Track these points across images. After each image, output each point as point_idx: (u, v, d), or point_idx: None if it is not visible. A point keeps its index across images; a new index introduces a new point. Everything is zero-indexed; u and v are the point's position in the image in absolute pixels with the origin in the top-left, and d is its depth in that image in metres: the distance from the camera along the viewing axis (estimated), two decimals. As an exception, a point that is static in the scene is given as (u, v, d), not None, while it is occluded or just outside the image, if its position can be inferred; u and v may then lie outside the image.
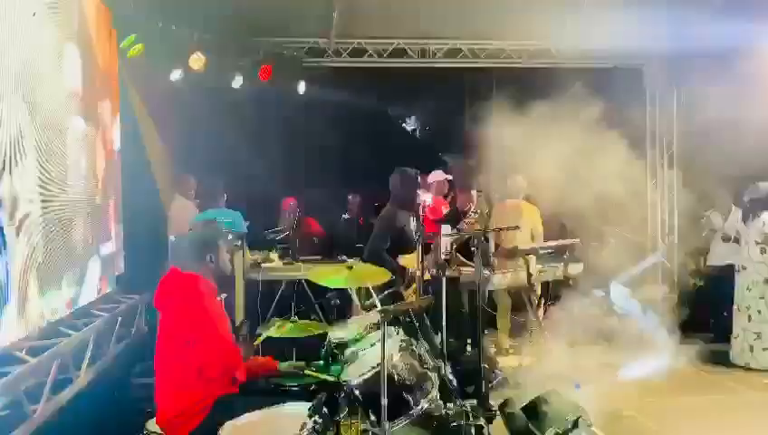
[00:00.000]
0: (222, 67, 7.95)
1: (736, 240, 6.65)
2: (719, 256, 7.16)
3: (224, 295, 4.42)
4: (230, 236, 4.92)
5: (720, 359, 6.41)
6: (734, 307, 6.43)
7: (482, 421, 3.46)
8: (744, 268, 6.38)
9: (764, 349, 6.16)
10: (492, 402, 3.98)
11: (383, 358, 3.07)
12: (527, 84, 7.35)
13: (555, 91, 6.12)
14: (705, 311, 7.34)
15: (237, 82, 7.72)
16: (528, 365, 5.46)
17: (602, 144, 5.55)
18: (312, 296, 6.21)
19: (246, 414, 3.06)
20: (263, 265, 6.33)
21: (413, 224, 5.01)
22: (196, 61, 7.75)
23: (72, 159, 5.03)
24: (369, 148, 8.68)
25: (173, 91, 7.69)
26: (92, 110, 5.67)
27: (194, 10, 7.01)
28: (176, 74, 7.21)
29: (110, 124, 6.37)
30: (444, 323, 4.27)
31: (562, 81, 6.81)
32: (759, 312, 6.21)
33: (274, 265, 6.43)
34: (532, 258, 6.29)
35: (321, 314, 5.95)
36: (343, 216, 7.84)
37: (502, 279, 6.18)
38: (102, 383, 4.72)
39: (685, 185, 7.91)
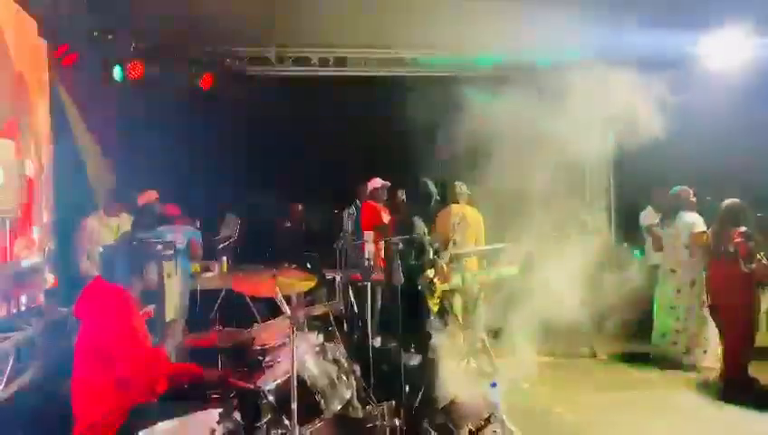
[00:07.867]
0: (162, 76, 7.92)
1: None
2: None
3: (152, 306, 4.43)
4: (159, 247, 4.97)
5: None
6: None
7: (396, 422, 3.53)
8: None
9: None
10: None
11: (293, 363, 3.15)
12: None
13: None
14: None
15: (178, 91, 7.66)
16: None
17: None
18: (252, 304, 6.21)
19: (160, 423, 3.09)
20: (202, 274, 6.33)
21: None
22: (134, 69, 7.73)
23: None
24: (314, 157, 8.71)
25: (111, 102, 7.59)
26: (16, 123, 5.58)
27: (131, 17, 6.95)
28: (113, 84, 7.10)
29: (42, 137, 6.28)
30: (370, 325, 4.35)
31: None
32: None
33: (212, 275, 6.43)
34: (470, 262, 6.39)
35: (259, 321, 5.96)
36: (286, 224, 7.86)
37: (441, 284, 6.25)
38: (26, 395, 4.68)
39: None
